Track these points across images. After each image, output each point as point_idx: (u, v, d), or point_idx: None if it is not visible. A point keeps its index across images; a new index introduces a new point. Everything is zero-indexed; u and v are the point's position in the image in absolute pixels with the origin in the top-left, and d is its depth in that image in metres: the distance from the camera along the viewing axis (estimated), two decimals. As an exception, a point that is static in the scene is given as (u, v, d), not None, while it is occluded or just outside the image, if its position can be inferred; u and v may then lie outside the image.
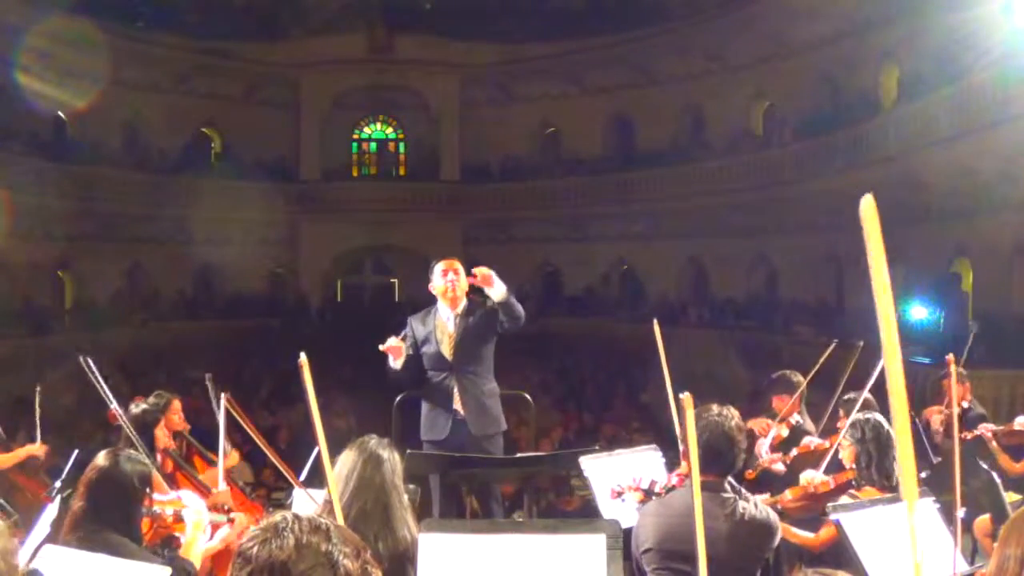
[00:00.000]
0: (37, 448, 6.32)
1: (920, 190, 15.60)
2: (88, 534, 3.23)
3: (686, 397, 1.76)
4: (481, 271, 5.09)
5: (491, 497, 5.36)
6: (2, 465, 6.15)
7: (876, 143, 16.51)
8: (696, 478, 2.20)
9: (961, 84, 14.03)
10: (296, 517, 1.63)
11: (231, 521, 4.04)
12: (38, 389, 6.67)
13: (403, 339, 5.26)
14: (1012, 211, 13.70)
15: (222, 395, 4.06)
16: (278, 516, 1.64)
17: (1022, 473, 6.04)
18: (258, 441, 4.08)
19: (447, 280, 5.25)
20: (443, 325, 5.30)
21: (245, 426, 4.17)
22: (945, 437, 6.25)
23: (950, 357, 3.40)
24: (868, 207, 1.40)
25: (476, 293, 5.32)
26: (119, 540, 3.25)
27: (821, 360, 5.64)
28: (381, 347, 5.15)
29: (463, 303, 5.30)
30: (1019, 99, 12.54)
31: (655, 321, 4.91)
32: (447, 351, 5.25)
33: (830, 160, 17.87)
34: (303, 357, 2.50)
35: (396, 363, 5.22)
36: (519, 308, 5.24)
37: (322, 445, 2.56)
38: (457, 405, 5.23)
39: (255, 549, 1.59)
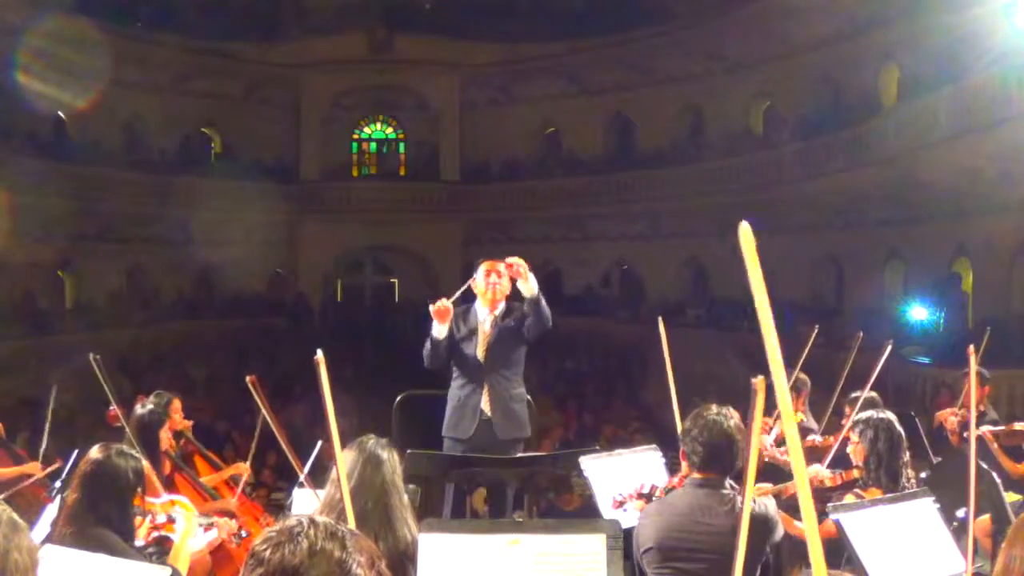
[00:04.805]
0: (36, 467, 6.34)
1: (920, 190, 15.59)
2: (81, 529, 3.23)
3: (759, 380, 1.72)
4: (517, 260, 5.07)
5: (504, 501, 5.31)
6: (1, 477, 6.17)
7: (876, 143, 16.48)
8: (753, 464, 2.06)
9: (961, 84, 14.00)
10: (312, 522, 1.60)
11: (216, 525, 4.02)
12: (54, 389, 6.61)
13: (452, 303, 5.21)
14: (1012, 211, 13.68)
15: (246, 377, 4.03)
16: (294, 520, 1.61)
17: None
18: (273, 426, 4.07)
19: (489, 282, 5.24)
20: (479, 325, 5.29)
21: (264, 410, 4.15)
22: (960, 439, 6.24)
23: (971, 349, 3.31)
24: (746, 234, 1.39)
25: (516, 299, 5.30)
26: (113, 538, 3.26)
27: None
28: (431, 307, 5.13)
29: (501, 306, 5.31)
30: (1019, 99, 12.52)
31: (660, 319, 4.87)
32: (480, 351, 5.24)
33: (830, 160, 17.85)
34: (319, 354, 2.52)
35: (441, 328, 5.15)
36: (546, 309, 5.22)
37: (336, 444, 2.56)
38: (485, 406, 5.20)
39: (268, 552, 1.56)
